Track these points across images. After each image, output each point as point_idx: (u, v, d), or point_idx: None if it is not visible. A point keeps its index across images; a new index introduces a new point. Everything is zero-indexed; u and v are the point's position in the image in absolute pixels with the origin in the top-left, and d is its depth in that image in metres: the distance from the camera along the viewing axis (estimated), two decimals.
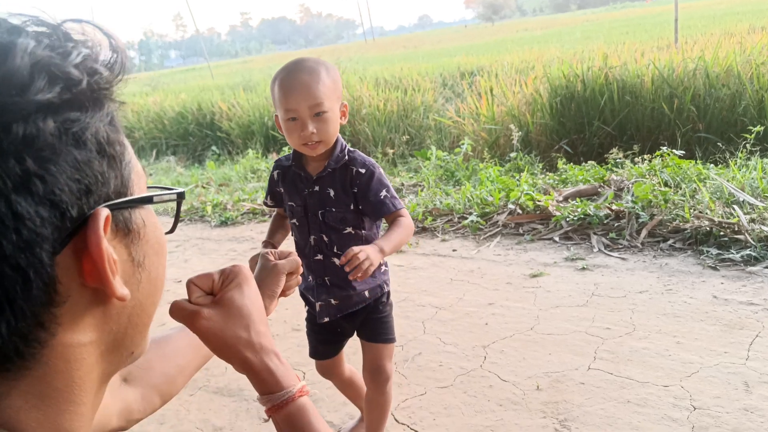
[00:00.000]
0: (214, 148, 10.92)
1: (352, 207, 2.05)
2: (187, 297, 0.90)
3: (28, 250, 0.51)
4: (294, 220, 2.15)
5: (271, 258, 1.15)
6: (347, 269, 1.76)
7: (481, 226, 5.05)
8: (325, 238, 2.09)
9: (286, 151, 8.74)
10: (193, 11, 25.24)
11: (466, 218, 5.19)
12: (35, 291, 0.52)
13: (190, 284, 0.90)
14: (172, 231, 0.76)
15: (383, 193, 2.03)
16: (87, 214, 0.55)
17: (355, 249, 1.77)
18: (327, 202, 2.06)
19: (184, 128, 12.18)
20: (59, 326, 0.55)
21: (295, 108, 1.90)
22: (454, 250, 4.73)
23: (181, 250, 5.76)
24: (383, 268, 2.23)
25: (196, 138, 11.84)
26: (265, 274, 1.13)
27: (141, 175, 0.65)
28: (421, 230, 5.26)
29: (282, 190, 2.18)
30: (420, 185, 6.55)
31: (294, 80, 1.91)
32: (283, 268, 1.13)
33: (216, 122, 11.44)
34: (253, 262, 1.80)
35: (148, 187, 0.67)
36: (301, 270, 1.20)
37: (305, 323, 2.39)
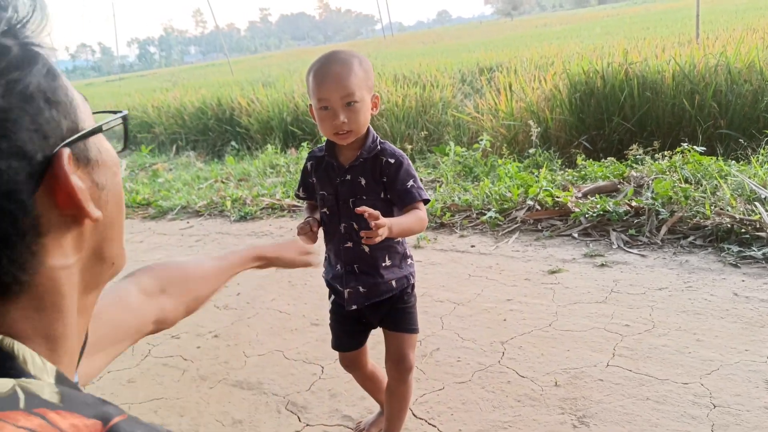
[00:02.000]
0: (233, 143, 10.96)
1: (382, 195, 2.12)
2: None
3: (11, 196, 0.60)
4: (325, 209, 2.21)
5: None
6: (363, 234, 1.82)
7: (499, 222, 5.05)
8: (356, 226, 2.14)
9: (305, 146, 8.78)
10: (212, 7, 25.37)
11: (485, 214, 5.18)
12: (24, 227, 0.62)
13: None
14: (124, 149, 0.83)
15: (410, 182, 2.09)
16: (50, 155, 0.63)
17: (382, 219, 1.82)
18: (358, 190, 2.12)
19: (204, 123, 12.25)
20: (46, 253, 0.65)
21: (328, 97, 1.97)
22: (472, 246, 4.73)
23: (201, 245, 5.80)
24: (409, 260, 2.28)
25: (216, 133, 11.90)
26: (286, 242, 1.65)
27: (84, 107, 0.72)
28: (440, 226, 5.27)
29: (314, 180, 2.24)
30: (438, 181, 6.55)
31: (327, 71, 1.98)
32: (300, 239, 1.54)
33: (235, 118, 11.49)
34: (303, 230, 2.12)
35: (93, 113, 0.75)
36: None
37: (329, 315, 2.42)
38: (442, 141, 8.34)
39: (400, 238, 2.20)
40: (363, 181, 2.11)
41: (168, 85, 21.55)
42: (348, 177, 2.13)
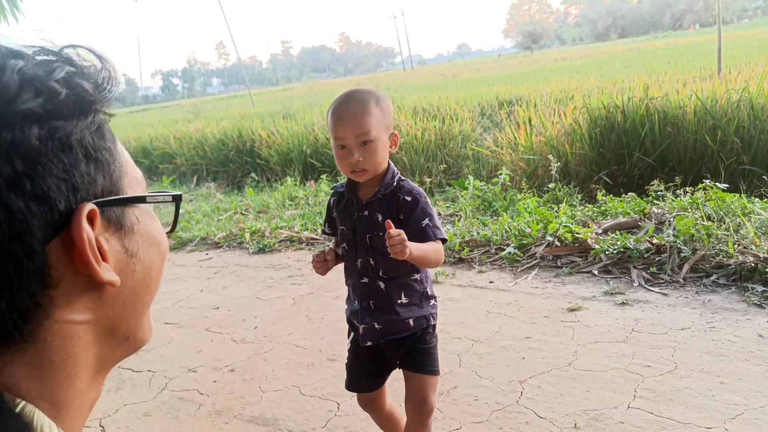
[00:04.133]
0: (253, 175, 11.07)
1: None
2: None
3: (19, 239, 0.59)
4: (344, 244, 2.24)
5: None
6: (387, 238, 1.84)
7: (518, 258, 5.01)
8: (372, 261, 2.16)
9: (325, 179, 8.82)
10: (235, 40, 25.75)
11: (504, 249, 5.15)
12: (28, 274, 0.60)
13: None
14: (172, 231, 0.84)
15: (425, 221, 2.09)
16: (74, 208, 0.63)
17: (397, 231, 1.84)
18: (375, 226, 2.13)
19: (225, 155, 12.38)
20: (55, 306, 0.63)
21: (343, 137, 2.03)
22: (491, 282, 4.69)
23: (219, 277, 5.81)
24: (432, 301, 2.28)
25: (236, 165, 12.02)
26: None
27: (139, 182, 0.74)
28: (458, 261, 5.24)
29: (335, 216, 2.28)
30: (457, 215, 6.53)
31: (344, 110, 2.04)
32: None
33: (256, 149, 11.61)
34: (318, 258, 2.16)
35: (152, 193, 0.75)
36: None
37: (348, 355, 2.40)
38: (461, 174, 8.35)
39: (419, 276, 2.19)
40: (380, 217, 2.12)
41: (190, 116, 21.90)
42: (366, 213, 2.15)
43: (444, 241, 2.11)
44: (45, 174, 0.60)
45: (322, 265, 2.15)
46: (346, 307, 2.36)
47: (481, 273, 4.92)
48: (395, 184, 2.14)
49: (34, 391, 0.64)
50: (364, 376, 2.37)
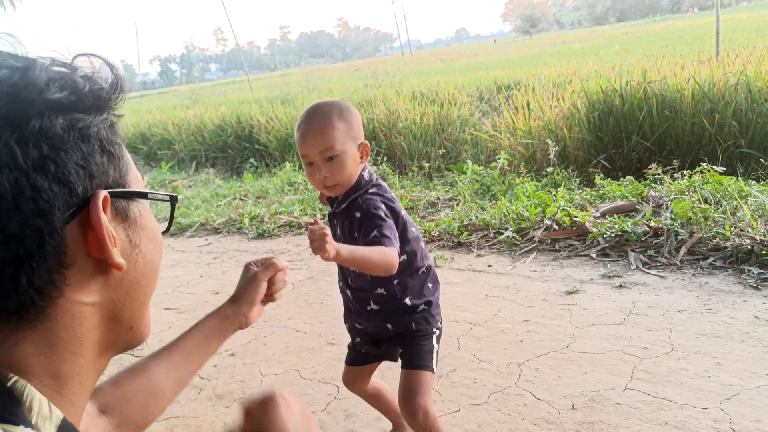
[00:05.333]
0: (252, 160, 11.06)
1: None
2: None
3: (43, 216, 0.64)
4: None
5: (252, 267, 1.31)
6: (308, 234, 1.70)
7: (516, 242, 5.03)
8: (343, 268, 2.21)
9: None
10: (233, 25, 25.67)
11: (502, 233, 5.17)
12: (48, 251, 0.66)
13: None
14: (167, 230, 0.90)
15: (374, 233, 1.93)
16: (89, 193, 0.69)
17: (326, 232, 1.68)
18: (342, 236, 2.12)
19: (224, 141, 12.36)
20: (67, 286, 0.68)
21: (309, 153, 2.00)
22: (489, 266, 4.72)
23: (219, 262, 5.84)
24: (419, 310, 2.18)
25: (235, 150, 12.00)
26: (244, 283, 1.30)
27: (138, 180, 0.80)
28: (457, 245, 5.26)
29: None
30: (456, 199, 6.54)
31: (307, 127, 2.01)
32: (259, 276, 1.29)
33: (254, 135, 11.58)
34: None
35: (149, 191, 0.81)
36: (282, 273, 1.31)
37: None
38: (460, 159, 8.35)
39: (384, 290, 2.12)
40: (345, 227, 2.10)
41: (188, 102, 21.82)
42: (334, 221, 2.17)
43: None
44: (67, 159, 0.66)
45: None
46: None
47: (479, 257, 4.95)
48: (352, 197, 2.05)
49: (39, 367, 0.68)
50: (357, 352, 2.36)
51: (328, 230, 1.69)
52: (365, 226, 1.97)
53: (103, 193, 0.69)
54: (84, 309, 0.71)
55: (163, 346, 1.22)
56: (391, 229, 1.96)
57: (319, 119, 1.99)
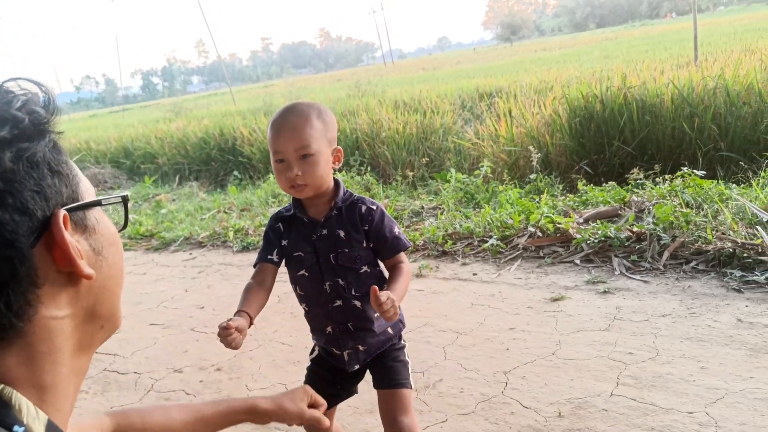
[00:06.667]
0: (235, 173, 11.01)
1: (364, 245, 2.02)
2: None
3: (11, 245, 0.69)
4: (302, 271, 2.06)
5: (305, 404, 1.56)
6: (376, 305, 1.69)
7: (501, 250, 5.04)
8: (341, 282, 2.02)
9: None
10: (214, 37, 25.63)
11: (486, 241, 5.18)
12: (21, 276, 0.70)
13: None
14: (124, 227, 0.94)
15: (396, 229, 2.01)
16: (49, 215, 0.73)
17: (385, 294, 1.70)
18: (338, 243, 2.00)
19: (207, 153, 12.32)
20: (41, 304, 0.73)
21: (282, 150, 1.90)
22: (474, 274, 4.72)
23: (204, 276, 5.80)
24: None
25: (218, 163, 11.96)
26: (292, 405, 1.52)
27: (90, 189, 0.84)
28: (442, 254, 5.26)
29: (286, 243, 2.08)
30: (440, 208, 6.55)
31: (283, 122, 1.91)
32: (305, 415, 1.55)
33: (238, 147, 11.55)
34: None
35: (99, 197, 0.86)
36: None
37: (307, 373, 2.29)
38: (443, 167, 8.37)
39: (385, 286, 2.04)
40: (342, 233, 2.00)
41: (171, 115, 21.71)
42: (325, 231, 2.01)
43: (407, 248, 2.03)
44: (21, 189, 0.71)
45: (235, 337, 1.73)
46: (313, 338, 2.23)
47: (464, 265, 4.95)
48: (353, 196, 2.04)
49: (23, 378, 0.73)
50: (329, 394, 2.08)
51: (392, 295, 1.72)
52: (386, 221, 2.02)
53: (62, 212, 0.74)
54: (59, 322, 0.76)
55: (192, 403, 1.38)
56: (398, 228, 2.07)
57: (297, 116, 1.90)
